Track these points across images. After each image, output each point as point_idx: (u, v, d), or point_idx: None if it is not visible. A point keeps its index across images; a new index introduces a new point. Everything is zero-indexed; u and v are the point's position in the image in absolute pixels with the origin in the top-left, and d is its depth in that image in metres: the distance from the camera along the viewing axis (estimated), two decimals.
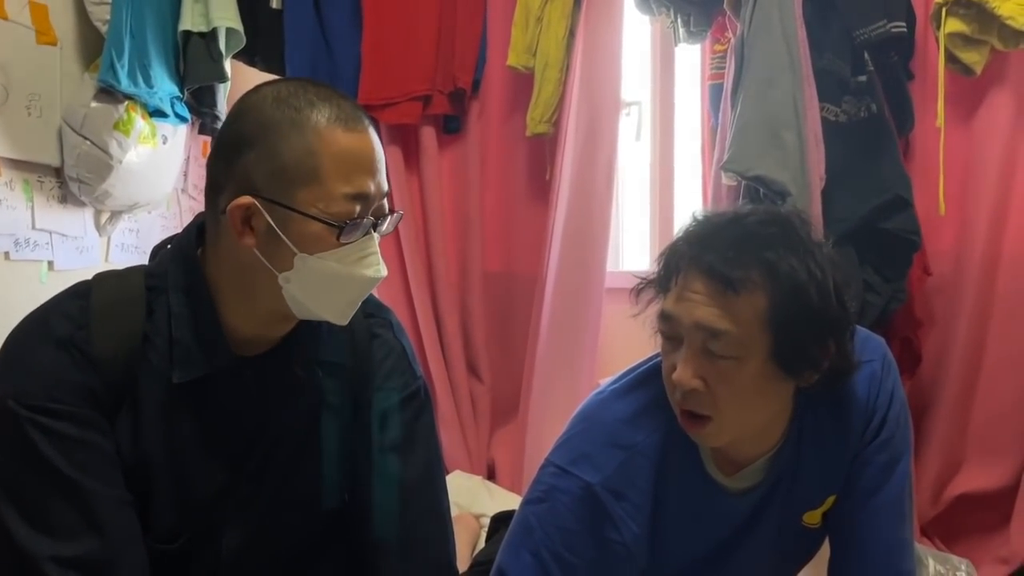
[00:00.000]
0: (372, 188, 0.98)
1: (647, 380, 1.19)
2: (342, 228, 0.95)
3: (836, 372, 1.09)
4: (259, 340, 1.05)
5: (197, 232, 1.05)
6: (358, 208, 0.97)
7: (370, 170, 0.98)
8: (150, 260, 1.10)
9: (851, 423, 1.16)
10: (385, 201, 1.02)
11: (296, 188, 0.95)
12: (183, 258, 1.03)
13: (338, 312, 1.03)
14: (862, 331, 1.20)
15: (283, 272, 0.97)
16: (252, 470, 1.06)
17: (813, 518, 1.21)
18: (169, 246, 1.08)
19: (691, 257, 1.06)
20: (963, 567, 1.31)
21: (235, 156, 0.97)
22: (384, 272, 1.02)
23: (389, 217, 1.03)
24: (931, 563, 1.30)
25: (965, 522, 2.04)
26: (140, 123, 2.03)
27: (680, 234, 1.12)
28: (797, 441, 1.16)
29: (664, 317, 1.08)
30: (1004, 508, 1.99)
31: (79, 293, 1.02)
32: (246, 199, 0.95)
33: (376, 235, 1.01)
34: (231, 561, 1.05)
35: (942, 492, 2.05)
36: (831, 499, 1.20)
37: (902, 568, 1.19)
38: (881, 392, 1.17)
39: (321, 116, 0.95)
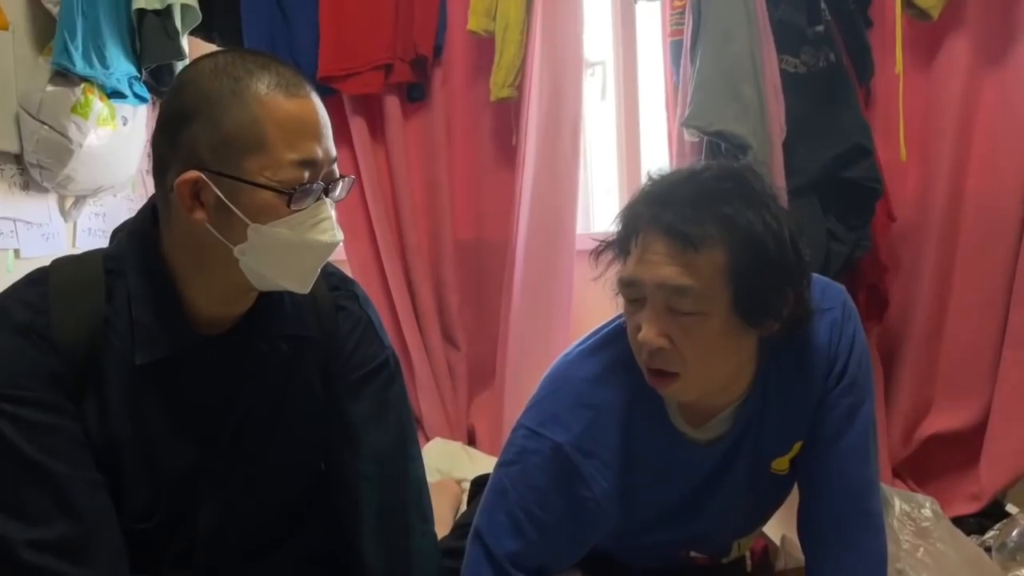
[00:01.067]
0: (319, 153, 0.97)
1: (612, 340, 1.21)
2: (292, 194, 0.95)
3: (795, 320, 1.12)
4: (221, 318, 1.05)
5: (151, 213, 1.04)
6: (307, 174, 0.96)
7: (316, 135, 0.97)
8: (109, 243, 1.10)
9: (814, 371, 1.19)
10: (336, 167, 1.02)
11: (242, 158, 0.94)
12: (139, 239, 1.03)
13: (298, 280, 1.03)
14: (822, 280, 1.22)
15: (237, 244, 0.97)
16: (223, 447, 1.06)
17: (781, 464, 1.24)
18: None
19: (649, 217, 1.07)
20: (927, 504, 1.35)
21: (178, 131, 0.96)
22: (340, 237, 1.02)
23: (340, 182, 1.02)
24: (897, 502, 1.34)
25: (935, 462, 2.09)
26: (98, 105, 2.00)
27: (636, 195, 1.13)
28: (762, 391, 1.19)
29: (627, 282, 1.10)
30: (973, 447, 2.04)
31: (36, 280, 1.01)
32: (193, 174, 0.95)
33: (329, 200, 1.01)
34: (207, 537, 1.07)
35: (912, 433, 2.09)
36: (798, 445, 1.23)
37: (868, 508, 1.23)
38: (842, 339, 1.20)
39: (261, 84, 0.95)
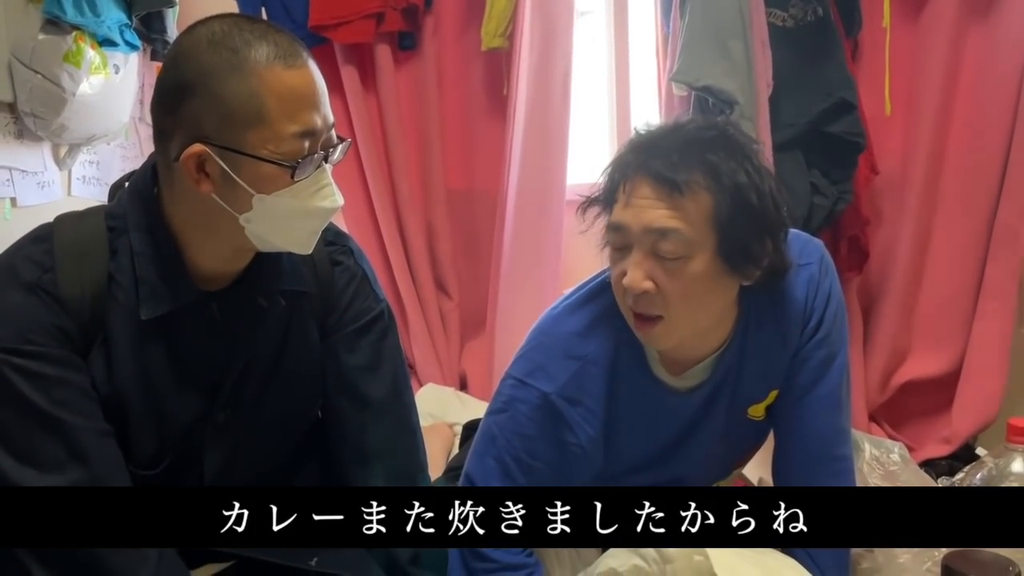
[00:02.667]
0: (318, 122, 1.00)
1: (597, 294, 1.26)
2: (295, 167, 0.98)
3: (774, 270, 1.16)
4: (221, 274, 1.08)
5: (152, 172, 1.06)
6: (307, 144, 0.99)
7: (315, 104, 0.99)
8: (109, 198, 1.12)
9: (790, 323, 1.24)
10: (333, 132, 1.04)
11: (244, 132, 0.96)
12: (141, 199, 1.06)
13: (301, 243, 1.06)
14: (801, 235, 1.27)
15: (243, 213, 1.00)
16: (225, 397, 1.10)
17: (757, 411, 1.30)
18: (126, 185, 1.10)
19: (637, 165, 1.11)
20: (895, 449, 1.41)
21: (178, 103, 0.98)
22: (340, 201, 1.05)
23: (338, 147, 1.05)
24: (867, 447, 1.40)
25: (910, 407, 2.17)
26: (90, 53, 2.00)
27: (624, 146, 1.17)
28: (741, 342, 1.23)
29: (614, 228, 1.13)
30: (947, 393, 2.11)
31: (41, 237, 1.04)
32: (198, 147, 0.97)
33: (328, 166, 1.03)
34: (212, 481, 1.12)
35: (889, 380, 2.16)
36: (773, 393, 1.28)
37: (838, 453, 1.28)
38: (819, 293, 1.24)
39: (260, 55, 0.96)
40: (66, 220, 1.07)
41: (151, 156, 1.08)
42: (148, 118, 2.42)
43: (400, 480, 1.23)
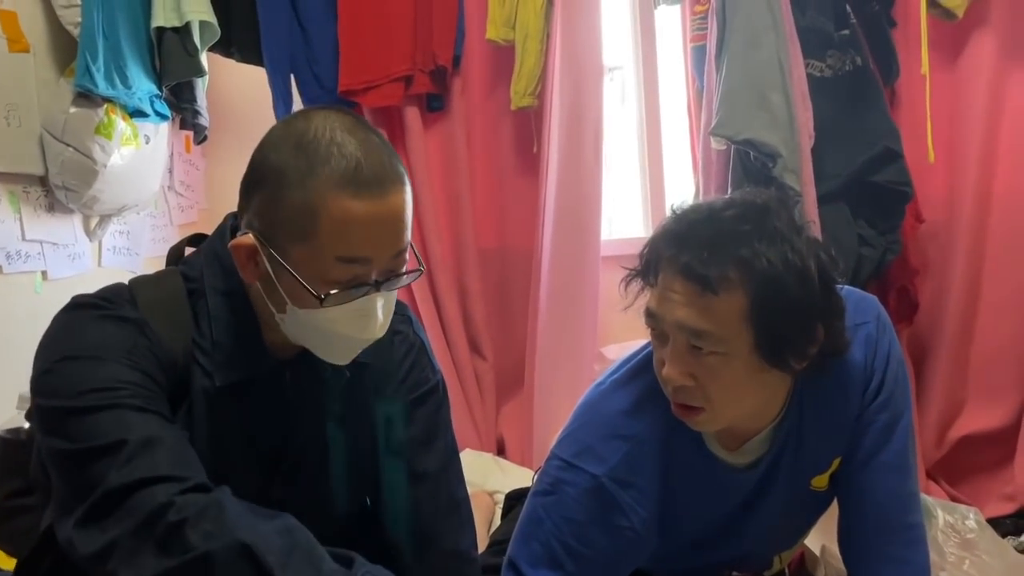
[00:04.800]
0: (375, 253, 0.94)
1: (643, 368, 1.21)
2: (323, 298, 0.94)
3: (828, 354, 1.09)
4: (289, 344, 1.05)
5: (231, 235, 1.03)
6: (356, 271, 0.94)
7: (377, 235, 0.94)
8: (168, 262, 1.10)
9: (850, 386, 1.18)
10: (402, 258, 0.98)
11: (291, 243, 0.93)
12: (218, 260, 1.03)
13: (334, 357, 1.03)
14: (855, 293, 1.21)
15: (279, 313, 0.98)
16: (285, 472, 1.07)
17: (821, 482, 1.24)
18: (185, 245, 1.08)
19: (668, 258, 1.06)
20: (971, 515, 1.34)
21: (250, 189, 0.96)
22: (379, 333, 1.00)
23: (403, 276, 0.99)
24: (940, 514, 1.33)
25: (969, 462, 2.08)
26: (121, 125, 2.01)
27: (659, 230, 1.12)
28: (799, 410, 1.18)
29: (649, 315, 1.10)
30: (1007, 446, 2.03)
31: (118, 292, 1.01)
32: (249, 240, 0.95)
33: (381, 294, 0.98)
34: None
35: (945, 434, 2.08)
36: (836, 461, 1.22)
37: (909, 520, 1.22)
38: (878, 353, 1.19)
39: (333, 174, 0.91)
40: (143, 281, 1.04)
41: (227, 217, 1.06)
42: (177, 187, 2.44)
43: (451, 559, 1.18)
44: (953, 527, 1.30)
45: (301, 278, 0.93)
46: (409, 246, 0.99)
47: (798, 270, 1.03)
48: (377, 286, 0.97)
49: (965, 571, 1.25)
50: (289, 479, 1.08)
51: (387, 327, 1.02)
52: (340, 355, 1.03)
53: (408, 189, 0.97)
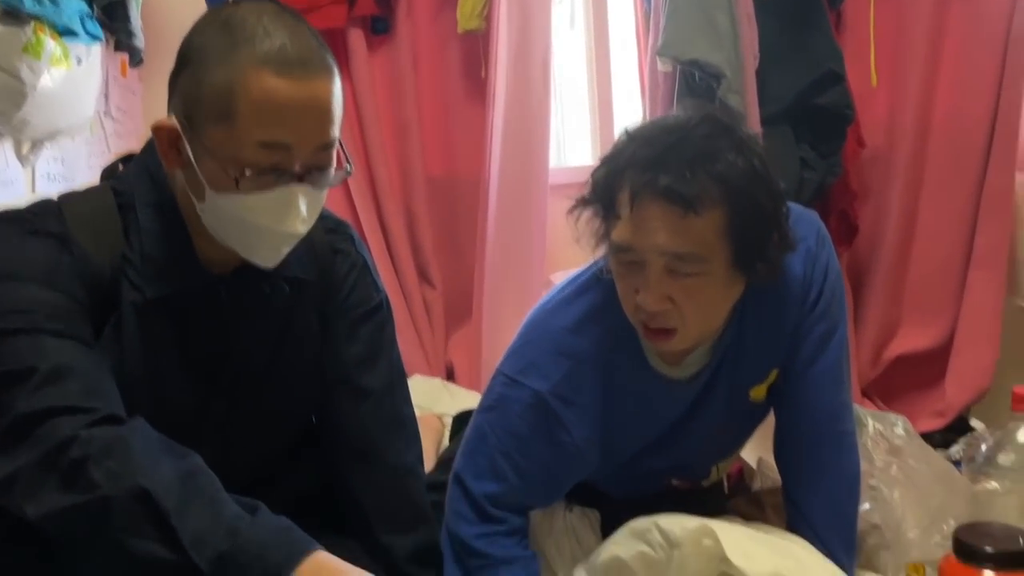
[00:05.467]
0: (294, 139, 0.92)
1: (589, 288, 1.22)
2: (237, 178, 0.92)
3: (779, 257, 1.12)
4: (225, 258, 1.03)
5: None
6: (276, 158, 0.92)
7: (297, 119, 0.92)
8: (102, 180, 1.07)
9: (789, 299, 1.21)
10: (328, 153, 0.96)
11: (210, 123, 0.92)
12: (148, 173, 1.01)
13: (259, 257, 1.00)
14: (795, 208, 1.23)
15: (200, 202, 0.96)
16: (224, 387, 1.06)
17: (758, 393, 1.27)
18: (120, 163, 1.06)
19: (644, 183, 1.04)
20: (899, 423, 1.39)
21: (177, 71, 0.95)
22: (301, 228, 0.97)
23: (326, 171, 0.97)
24: (870, 422, 1.38)
25: (903, 381, 2.16)
26: (50, 44, 1.92)
27: (622, 157, 1.09)
28: (739, 323, 1.20)
29: (622, 248, 1.08)
30: (939, 366, 2.11)
31: (47, 207, 0.99)
32: (170, 122, 0.93)
33: (304, 187, 0.95)
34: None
35: (880, 354, 2.15)
36: (774, 373, 1.25)
37: (842, 428, 1.26)
38: (816, 266, 1.21)
39: (257, 53, 0.90)
40: (72, 196, 1.01)
41: None
42: (113, 112, 2.36)
43: (395, 474, 1.19)
44: (882, 434, 1.36)
45: (220, 160, 0.91)
46: (338, 144, 0.97)
47: (764, 179, 1.05)
48: (300, 179, 0.94)
49: (892, 475, 1.31)
50: (229, 394, 1.07)
51: (311, 224, 0.99)
52: (263, 252, 1.00)
53: (337, 81, 0.95)
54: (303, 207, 0.96)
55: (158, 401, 1.02)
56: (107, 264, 0.97)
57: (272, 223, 0.95)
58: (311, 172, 0.95)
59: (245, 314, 1.06)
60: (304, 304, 1.12)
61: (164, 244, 1.00)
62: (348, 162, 1.01)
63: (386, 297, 1.21)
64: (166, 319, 1.01)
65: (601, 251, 1.15)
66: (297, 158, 0.94)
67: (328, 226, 1.15)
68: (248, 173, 0.91)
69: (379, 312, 1.18)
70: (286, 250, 1.01)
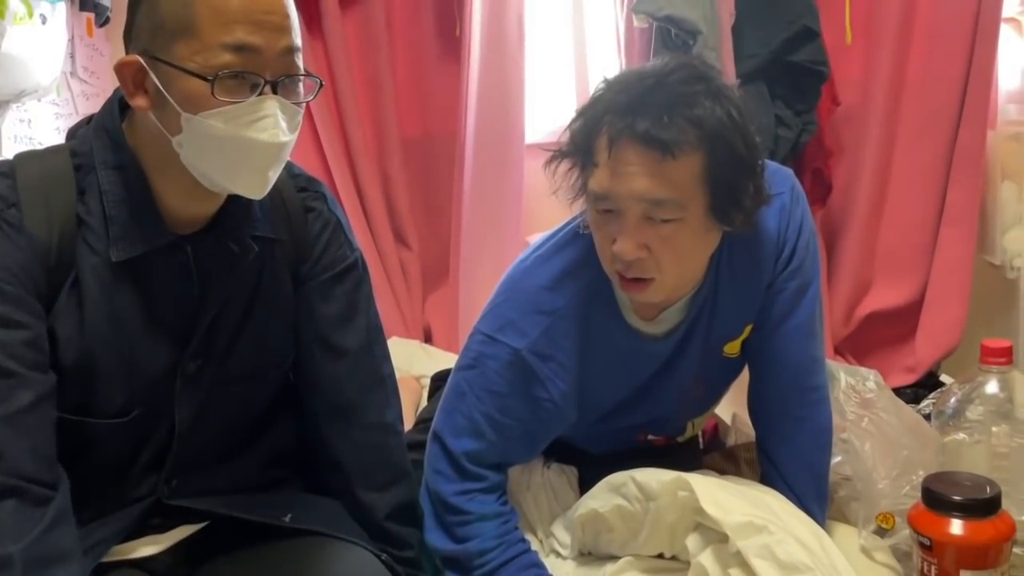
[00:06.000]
0: (259, 41, 0.92)
1: (566, 244, 1.22)
2: (213, 81, 0.90)
3: (755, 210, 1.13)
4: (192, 217, 1.02)
5: (119, 107, 1.00)
6: (244, 61, 0.91)
7: (259, 20, 0.91)
8: (68, 139, 1.05)
9: (764, 255, 1.21)
10: (295, 60, 0.95)
11: (174, 42, 0.91)
12: (107, 134, 0.99)
13: (244, 183, 0.98)
14: (771, 164, 1.23)
15: (175, 136, 0.94)
16: (197, 346, 1.05)
17: (733, 348, 1.28)
18: (86, 124, 1.03)
19: (622, 127, 1.04)
20: (871, 377, 1.41)
21: (132, 13, 0.94)
22: (283, 137, 0.96)
23: (297, 79, 0.96)
24: (842, 377, 1.40)
25: (875, 338, 2.19)
26: (14, 2, 1.88)
27: (599, 103, 1.09)
28: (714, 279, 1.21)
29: (599, 196, 1.08)
30: (911, 322, 2.14)
31: (2, 172, 0.97)
32: (131, 58, 0.93)
33: (277, 98, 0.94)
34: (185, 432, 1.06)
35: (853, 312, 2.18)
36: (748, 328, 1.27)
37: (814, 383, 1.28)
38: (791, 223, 1.22)
39: None
40: (28, 156, 1.00)
41: (117, 90, 1.01)
42: (80, 73, 2.31)
43: (374, 432, 1.20)
44: (854, 388, 1.38)
45: (191, 73, 0.91)
46: (300, 53, 0.97)
47: (741, 127, 1.06)
48: (273, 88, 0.94)
49: (864, 428, 1.33)
50: (203, 356, 1.06)
51: (291, 140, 0.98)
52: (248, 176, 0.98)
53: None
54: (281, 119, 0.95)
55: (128, 364, 1.01)
56: (57, 228, 0.96)
57: (253, 132, 0.94)
58: (283, 82, 0.95)
59: (214, 275, 1.05)
60: (276, 264, 1.11)
61: (126, 205, 0.98)
62: (320, 81, 1.02)
63: (361, 256, 1.20)
64: (131, 282, 1.00)
65: (578, 207, 1.16)
66: (266, 65, 0.93)
67: (300, 184, 1.14)
68: (221, 74, 0.91)
69: (354, 271, 1.17)
70: (272, 175, 0.99)
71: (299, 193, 1.13)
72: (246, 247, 1.06)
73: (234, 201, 1.04)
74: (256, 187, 0.99)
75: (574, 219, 1.21)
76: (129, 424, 1.03)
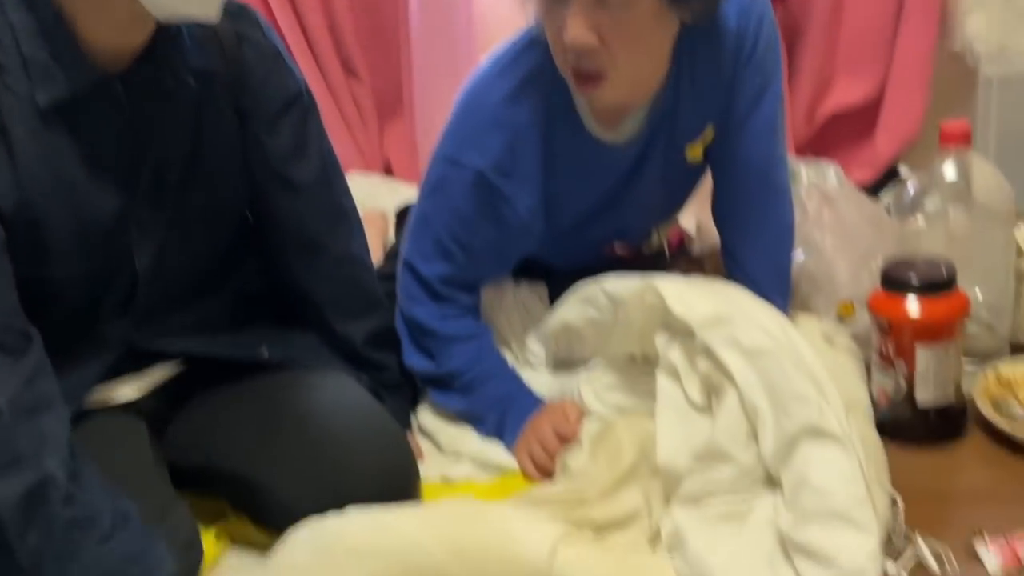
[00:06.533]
0: None
1: (521, 54, 1.18)
2: None
3: (713, 2, 1.09)
4: (117, 51, 0.96)
5: None
6: None
7: None
8: None
9: (724, 53, 1.19)
10: None
11: None
12: None
13: (199, 2, 0.92)
14: None
15: None
16: (145, 190, 1.03)
17: (695, 152, 1.28)
18: None
19: None
20: (831, 171, 1.42)
21: None
22: None
23: None
24: (804, 172, 1.41)
25: (836, 137, 2.17)
26: None
27: None
28: (675, 82, 1.19)
29: None
30: (870, 119, 2.13)
31: None
32: None
33: None
34: (148, 278, 1.05)
35: (815, 111, 2.15)
36: (710, 130, 1.25)
37: (776, 181, 1.29)
38: (751, 21, 1.19)
39: None
40: None
41: None
42: None
43: (342, 265, 1.20)
44: (816, 185, 1.39)
45: None
46: None
47: None
48: None
49: (824, 222, 1.35)
50: (152, 200, 1.03)
51: None
52: None
53: None
54: None
55: (75, 213, 0.98)
56: None
57: None
58: None
59: (151, 114, 1.00)
60: (215, 99, 1.06)
61: (42, 42, 0.92)
62: None
63: (306, 86, 1.16)
64: (64, 128, 0.95)
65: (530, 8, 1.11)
66: None
67: (231, 10, 1.06)
68: None
69: (299, 101, 1.13)
70: None
71: (231, 21, 1.07)
72: (181, 80, 1.01)
73: (162, 32, 0.98)
74: (210, 7, 0.94)
75: (529, 29, 1.17)
76: (89, 275, 1.02)
